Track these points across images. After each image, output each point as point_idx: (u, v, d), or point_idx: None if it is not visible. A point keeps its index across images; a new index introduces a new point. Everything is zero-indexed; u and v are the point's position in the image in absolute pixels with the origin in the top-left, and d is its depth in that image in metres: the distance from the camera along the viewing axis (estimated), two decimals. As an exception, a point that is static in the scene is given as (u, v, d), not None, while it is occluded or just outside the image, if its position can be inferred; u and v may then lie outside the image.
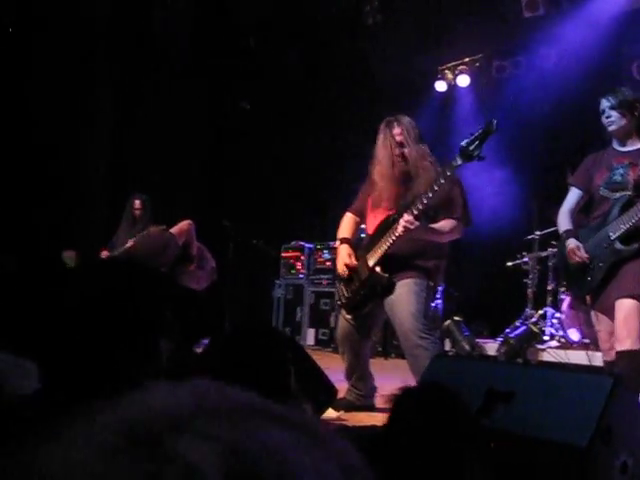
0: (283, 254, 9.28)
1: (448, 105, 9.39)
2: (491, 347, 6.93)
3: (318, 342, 8.63)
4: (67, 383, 1.54)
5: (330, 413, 3.85)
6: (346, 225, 4.50)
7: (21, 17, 7.81)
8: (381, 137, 4.24)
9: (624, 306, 3.53)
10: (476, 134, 3.65)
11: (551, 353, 6.34)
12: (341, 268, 4.31)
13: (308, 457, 0.42)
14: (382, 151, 4.22)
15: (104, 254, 6.59)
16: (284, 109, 9.57)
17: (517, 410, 2.25)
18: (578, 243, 3.80)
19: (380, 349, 7.76)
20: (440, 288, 7.03)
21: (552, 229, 6.29)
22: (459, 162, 3.71)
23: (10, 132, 7.67)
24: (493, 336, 7.32)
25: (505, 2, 8.41)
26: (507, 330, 6.96)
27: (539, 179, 7.67)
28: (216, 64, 9.16)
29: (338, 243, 4.49)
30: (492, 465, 1.96)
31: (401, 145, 4.15)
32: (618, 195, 3.69)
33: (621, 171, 3.70)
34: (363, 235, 4.78)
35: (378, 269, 4.06)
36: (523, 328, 6.65)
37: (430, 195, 3.80)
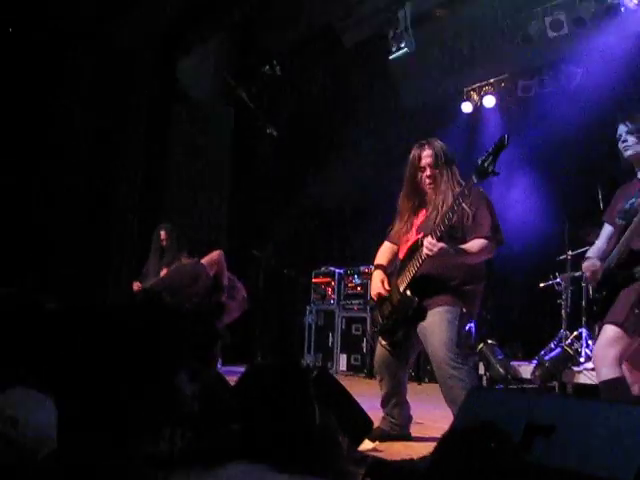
0: (313, 280, 9.29)
1: (474, 126, 9.36)
2: (525, 370, 6.84)
3: (350, 367, 8.60)
4: (88, 417, 1.55)
5: (366, 444, 3.83)
6: (382, 253, 4.50)
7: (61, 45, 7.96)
8: (411, 159, 4.24)
9: (605, 332, 3.44)
10: (490, 150, 3.63)
11: (587, 375, 6.23)
12: (374, 294, 4.30)
13: None
14: (411, 173, 4.23)
15: (136, 286, 6.66)
16: (311, 135, 9.62)
17: (558, 444, 2.20)
18: (594, 263, 3.75)
19: (413, 374, 7.71)
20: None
21: (585, 249, 6.21)
22: (475, 180, 3.70)
23: (43, 162, 7.85)
24: (527, 358, 7.23)
25: (529, 22, 8.39)
26: (542, 352, 6.87)
27: (570, 199, 7.61)
28: (243, 90, 9.25)
29: (373, 269, 4.48)
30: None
31: (430, 167, 4.15)
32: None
33: (632, 200, 3.63)
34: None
35: (409, 293, 4.04)
36: (558, 350, 6.56)
37: (451, 216, 3.78)
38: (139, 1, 7.80)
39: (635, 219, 3.51)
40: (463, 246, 3.97)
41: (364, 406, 5.02)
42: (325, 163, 9.55)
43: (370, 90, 9.38)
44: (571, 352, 6.46)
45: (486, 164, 3.59)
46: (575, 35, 8.06)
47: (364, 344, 8.34)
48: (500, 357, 6.93)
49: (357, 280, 8.80)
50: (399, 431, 4.32)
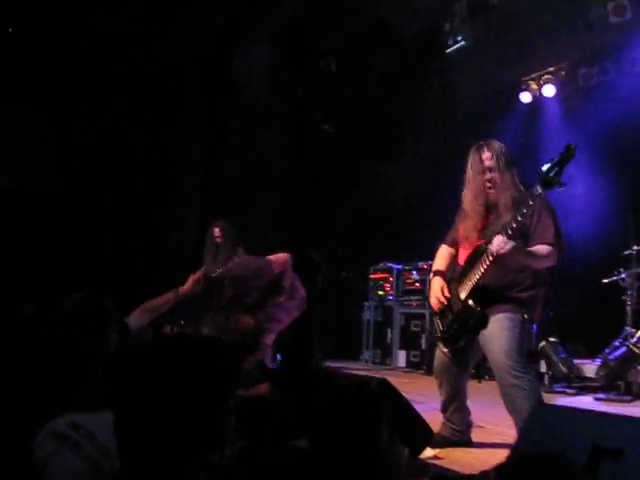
0: (372, 275, 9.27)
1: (534, 117, 9.18)
2: (589, 369, 6.71)
3: (409, 364, 8.56)
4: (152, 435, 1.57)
5: (426, 452, 3.80)
6: (440, 257, 4.43)
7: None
8: (470, 161, 4.16)
9: None
10: (555, 160, 3.51)
11: (654, 375, 6.08)
12: (434, 302, 4.24)
13: None
14: (471, 176, 4.15)
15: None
16: (367, 131, 9.57)
17: (626, 470, 2.15)
18: None
19: (473, 371, 7.62)
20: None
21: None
22: (539, 191, 3.59)
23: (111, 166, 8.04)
24: (591, 356, 7.08)
25: (590, 8, 8.16)
26: (606, 350, 6.72)
27: (635, 190, 7.39)
28: (297, 88, 9.26)
29: (432, 276, 4.41)
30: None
31: (490, 170, 4.07)
32: None
33: None
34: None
35: (471, 302, 3.97)
36: (623, 349, 6.40)
37: (514, 225, 3.70)
38: (192, 3, 7.87)
39: None
40: (531, 249, 3.88)
41: (424, 407, 5.01)
42: (383, 159, 9.50)
43: (427, 83, 9.27)
44: (637, 351, 6.29)
45: (551, 174, 3.48)
46: (639, 20, 7.81)
47: (423, 340, 8.29)
48: (563, 355, 6.81)
49: (415, 276, 8.74)
50: (459, 437, 4.27)
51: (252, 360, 3.91)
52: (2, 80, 7.72)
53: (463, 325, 4.05)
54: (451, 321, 4.13)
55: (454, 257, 4.38)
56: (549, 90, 8.98)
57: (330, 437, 1.93)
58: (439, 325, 4.25)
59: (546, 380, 6.89)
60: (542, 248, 3.89)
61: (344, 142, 9.10)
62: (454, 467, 3.74)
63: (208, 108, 8.87)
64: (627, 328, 6.76)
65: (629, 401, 6.17)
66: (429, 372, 7.77)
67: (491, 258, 3.78)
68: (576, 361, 6.94)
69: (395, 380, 7.36)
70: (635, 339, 6.53)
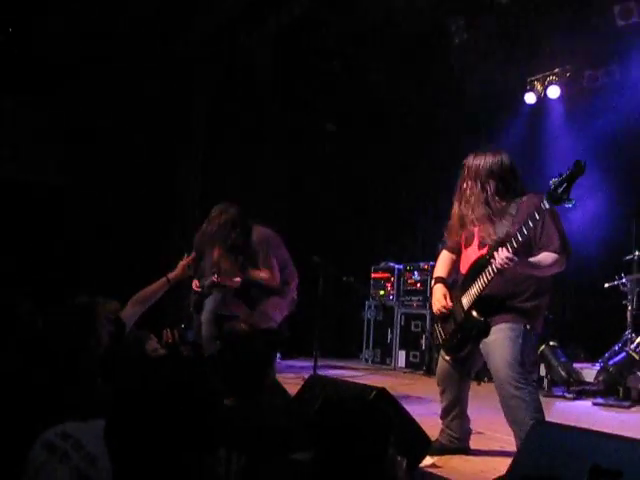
0: (373, 275, 9.28)
1: (538, 117, 9.15)
2: (588, 373, 6.71)
3: (409, 365, 8.57)
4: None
5: (425, 460, 3.80)
6: (441, 264, 4.41)
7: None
8: (462, 171, 4.15)
9: None
10: (564, 176, 3.44)
11: (654, 381, 6.09)
12: (436, 309, 4.23)
13: None
14: (459, 182, 4.14)
15: (195, 284, 6.65)
16: (371, 130, 9.55)
17: (624, 492, 2.15)
18: None
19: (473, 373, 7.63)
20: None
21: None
22: (547, 206, 3.56)
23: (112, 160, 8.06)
24: (591, 360, 7.08)
25: (597, 10, 8.13)
26: (606, 355, 6.72)
27: (638, 196, 7.38)
28: (300, 87, 9.25)
29: (433, 282, 4.40)
30: None
31: (471, 179, 4.02)
32: None
33: None
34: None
35: (474, 313, 3.96)
36: (623, 354, 6.41)
37: (520, 239, 3.67)
38: (197, 8, 7.86)
39: None
40: (535, 259, 3.84)
41: (425, 410, 5.03)
42: (387, 158, 9.49)
43: (431, 83, 9.24)
44: (636, 357, 6.30)
45: (559, 190, 3.42)
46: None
47: (423, 341, 8.29)
48: (562, 359, 6.80)
49: (417, 276, 8.73)
50: (458, 444, 4.27)
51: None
52: (4, 72, 7.73)
53: (466, 335, 4.05)
54: (454, 330, 4.13)
55: (455, 262, 4.37)
56: (554, 91, 8.95)
57: (335, 453, 1.93)
58: (441, 332, 4.25)
59: (545, 384, 6.89)
60: (547, 257, 3.84)
61: (347, 142, 9.09)
62: (452, 476, 3.75)
63: (208, 108, 8.88)
64: (627, 333, 6.77)
65: (628, 407, 6.18)
66: (429, 373, 7.79)
67: (495, 271, 3.78)
68: (576, 365, 6.94)
69: (395, 380, 7.45)
70: (635, 345, 6.54)
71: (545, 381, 6.91)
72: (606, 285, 7.08)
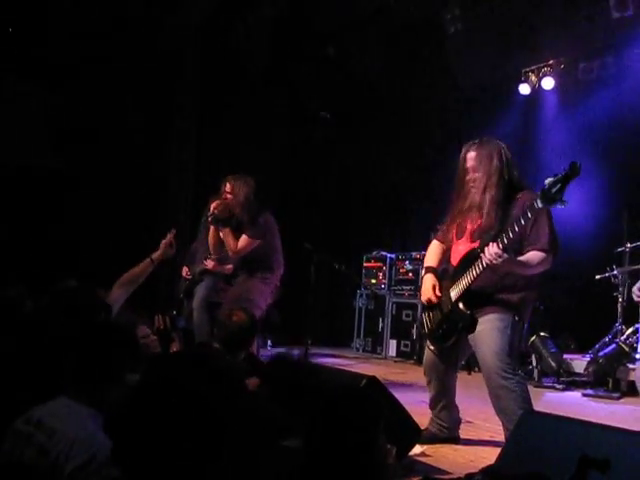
0: (365, 264, 9.28)
1: (532, 109, 9.14)
2: (578, 364, 6.74)
3: (400, 354, 8.59)
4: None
5: (415, 448, 3.81)
6: (432, 253, 4.41)
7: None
8: (460, 159, 4.15)
9: None
10: (559, 177, 3.42)
11: (642, 372, 6.10)
12: (425, 299, 4.24)
13: None
14: (458, 174, 4.14)
15: (185, 271, 6.63)
16: (365, 118, 9.53)
17: (613, 481, 2.15)
18: None
19: (463, 362, 7.64)
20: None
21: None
22: (540, 205, 3.55)
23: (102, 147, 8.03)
24: (581, 352, 7.11)
25: (592, 2, 8.11)
26: (596, 346, 6.75)
27: (630, 187, 7.39)
28: (295, 74, 9.22)
29: (423, 272, 4.40)
30: None
31: (473, 170, 4.04)
32: None
33: None
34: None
35: (461, 305, 3.97)
36: (613, 346, 6.44)
37: (510, 236, 3.68)
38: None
39: None
40: (523, 258, 3.87)
41: (415, 398, 5.05)
42: (378, 147, 9.47)
43: (426, 72, 9.22)
44: (626, 348, 6.34)
45: (553, 190, 3.42)
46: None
47: (414, 330, 8.31)
48: (553, 350, 6.82)
49: (409, 266, 8.74)
50: (447, 434, 4.30)
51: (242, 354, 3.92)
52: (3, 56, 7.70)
53: (452, 326, 4.07)
54: (440, 321, 4.14)
55: (445, 253, 4.37)
56: (548, 83, 8.94)
57: (327, 441, 1.92)
58: (427, 321, 4.26)
59: (535, 374, 6.91)
60: (535, 256, 3.87)
61: (341, 129, 9.05)
62: (441, 464, 3.77)
63: (205, 85, 8.85)
64: (617, 325, 6.80)
65: (617, 398, 6.22)
66: (419, 362, 7.79)
67: (484, 266, 3.78)
68: (566, 356, 6.97)
69: (385, 369, 7.47)
70: (625, 336, 6.58)
71: (535, 371, 6.93)
72: (597, 277, 7.10)
